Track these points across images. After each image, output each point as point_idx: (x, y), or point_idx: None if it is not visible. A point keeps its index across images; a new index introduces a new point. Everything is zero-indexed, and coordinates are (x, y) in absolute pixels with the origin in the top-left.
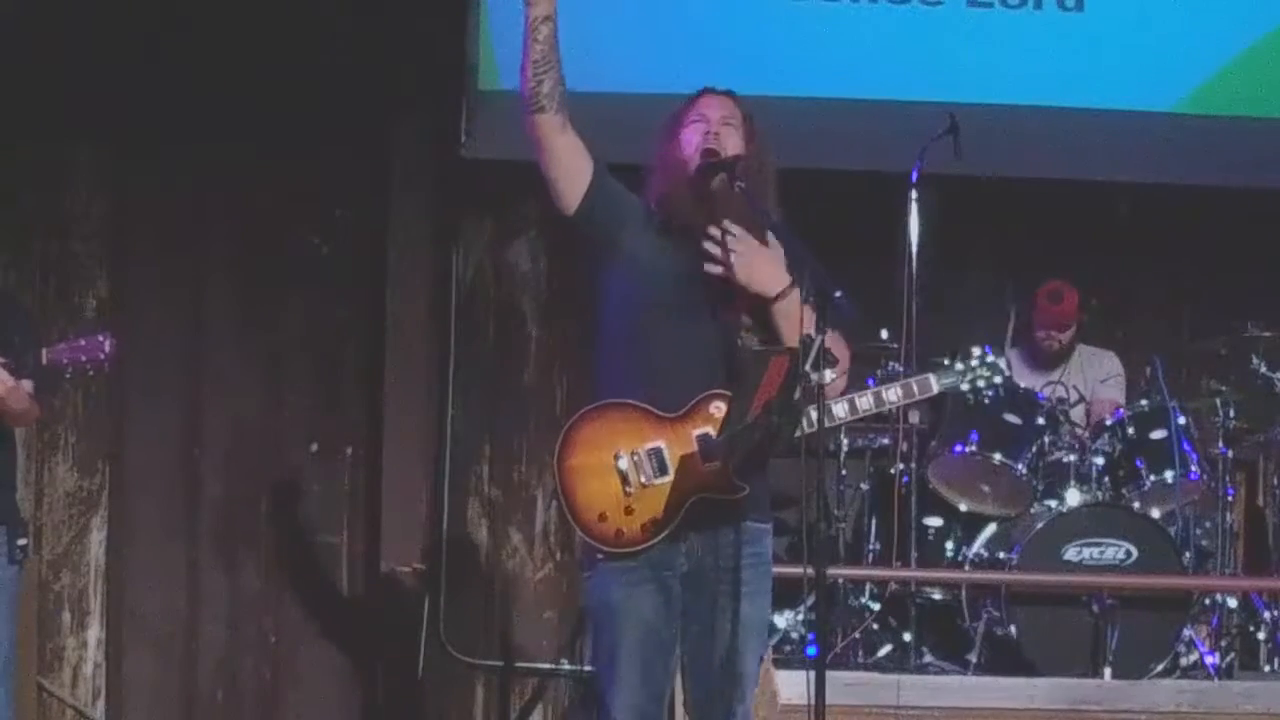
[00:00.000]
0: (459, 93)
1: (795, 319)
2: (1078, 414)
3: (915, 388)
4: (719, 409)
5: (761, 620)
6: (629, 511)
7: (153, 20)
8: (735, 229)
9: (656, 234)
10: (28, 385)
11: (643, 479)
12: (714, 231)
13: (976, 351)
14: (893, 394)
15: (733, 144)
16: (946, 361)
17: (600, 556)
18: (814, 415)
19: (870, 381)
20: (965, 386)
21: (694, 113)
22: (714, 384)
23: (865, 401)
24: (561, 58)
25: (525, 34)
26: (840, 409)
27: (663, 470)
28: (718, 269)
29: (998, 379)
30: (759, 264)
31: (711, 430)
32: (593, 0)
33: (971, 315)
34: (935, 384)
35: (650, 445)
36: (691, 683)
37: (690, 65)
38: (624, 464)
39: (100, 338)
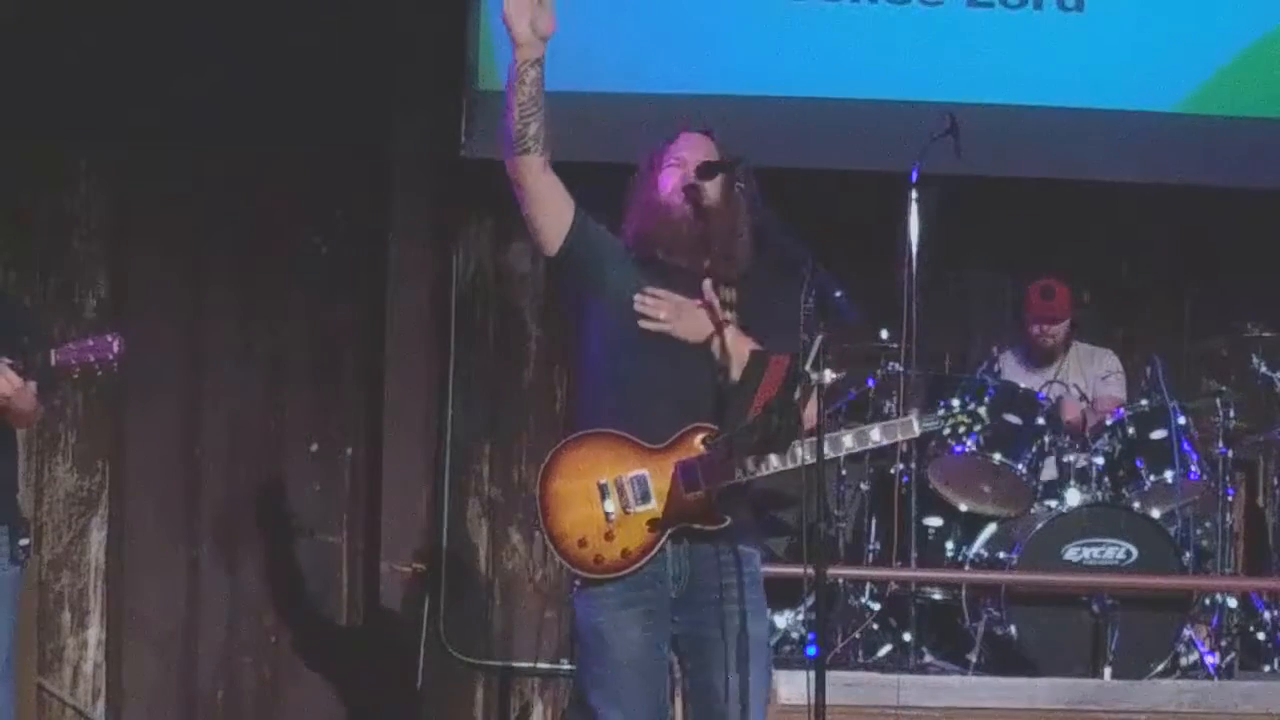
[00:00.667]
0: (459, 93)
1: (741, 358)
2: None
3: (898, 429)
4: (703, 442)
5: (763, 638)
6: (610, 538)
7: (152, 20)
8: (658, 291)
9: (636, 271)
10: (33, 386)
11: (625, 506)
12: (639, 298)
13: (957, 404)
14: (876, 434)
15: (710, 187)
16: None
17: (578, 584)
18: (801, 452)
19: (870, 382)
20: (946, 431)
21: (671, 156)
22: (698, 417)
23: (850, 440)
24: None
25: (511, 77)
26: (825, 447)
27: (645, 498)
28: (654, 326)
29: (977, 426)
30: (686, 319)
31: None
32: (592, 0)
33: (971, 315)
34: (917, 426)
35: (634, 473)
36: (696, 709)
37: (690, 65)
38: (607, 490)
39: (109, 338)
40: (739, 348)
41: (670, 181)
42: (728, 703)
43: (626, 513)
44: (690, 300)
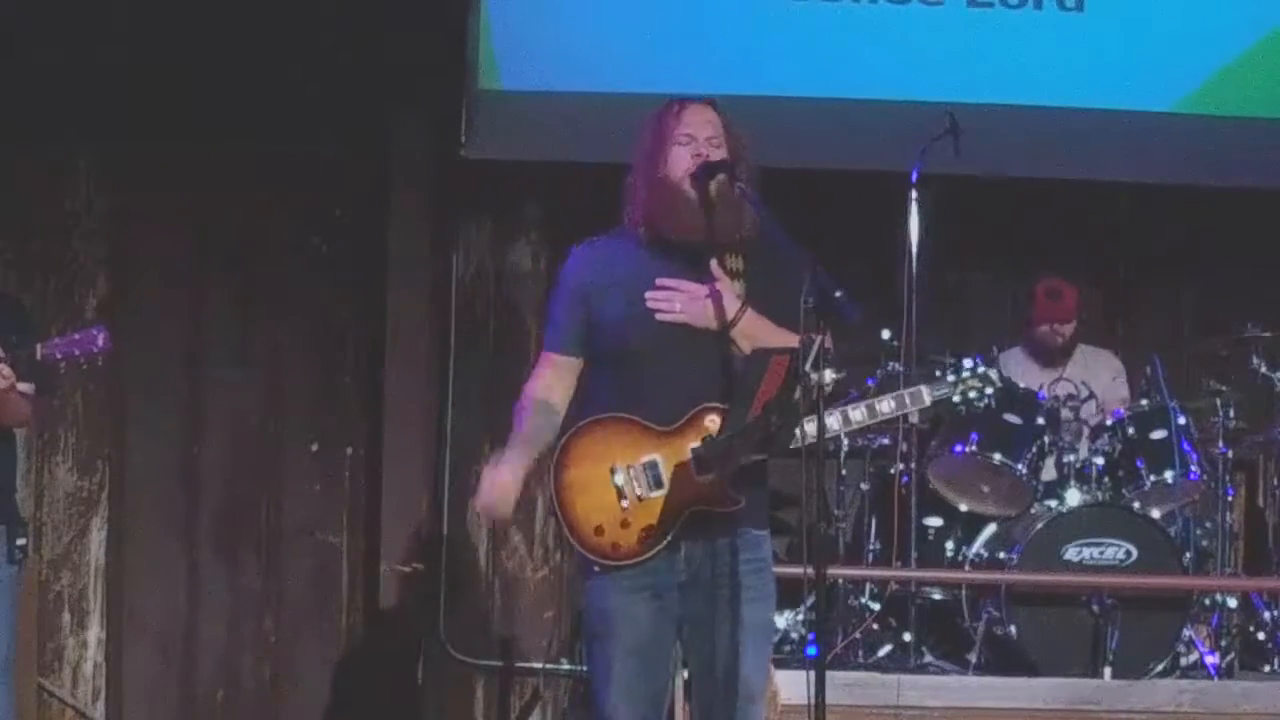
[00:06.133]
0: (459, 93)
1: (757, 339)
2: (1089, 410)
3: (908, 399)
4: (714, 422)
5: (765, 625)
6: (625, 525)
7: (153, 20)
8: (669, 282)
9: (642, 251)
10: (24, 387)
11: (638, 492)
12: (651, 295)
13: (968, 363)
14: (885, 405)
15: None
16: (939, 373)
17: (596, 569)
18: (809, 427)
19: (870, 381)
20: (957, 398)
21: (680, 131)
22: (708, 397)
23: (858, 413)
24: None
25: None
26: (834, 421)
27: (658, 484)
28: (670, 318)
29: (989, 390)
30: (705, 303)
31: None
32: (591, 0)
33: (971, 315)
34: (927, 396)
35: (645, 459)
36: (697, 693)
37: (690, 66)
38: (620, 478)
39: (94, 331)
40: (754, 328)
41: (684, 160)
42: (724, 690)
43: (640, 499)
44: (702, 284)
